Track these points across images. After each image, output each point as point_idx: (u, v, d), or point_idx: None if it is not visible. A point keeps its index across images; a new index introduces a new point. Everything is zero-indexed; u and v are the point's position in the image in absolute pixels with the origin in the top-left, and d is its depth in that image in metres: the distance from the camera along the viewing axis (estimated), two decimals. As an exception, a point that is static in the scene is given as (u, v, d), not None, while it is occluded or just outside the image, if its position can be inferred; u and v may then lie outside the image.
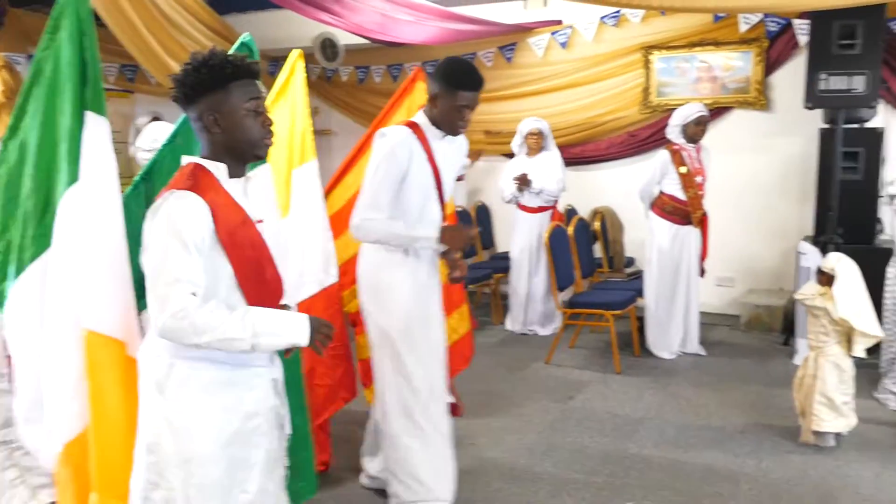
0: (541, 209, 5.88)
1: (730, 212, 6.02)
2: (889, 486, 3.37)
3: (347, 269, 3.32)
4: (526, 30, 6.77)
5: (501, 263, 6.47)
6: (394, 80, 7.47)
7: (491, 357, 5.38)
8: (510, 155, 6.70)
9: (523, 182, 5.72)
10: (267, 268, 1.93)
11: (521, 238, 5.90)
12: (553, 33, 6.71)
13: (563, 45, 6.68)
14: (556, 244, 5.22)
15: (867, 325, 3.57)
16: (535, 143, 5.84)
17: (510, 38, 6.86)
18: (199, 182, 1.82)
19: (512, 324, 6.08)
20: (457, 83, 2.76)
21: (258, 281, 1.90)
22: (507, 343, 5.81)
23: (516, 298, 6.01)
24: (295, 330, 1.84)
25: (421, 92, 3.57)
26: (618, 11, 6.36)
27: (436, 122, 2.87)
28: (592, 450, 3.82)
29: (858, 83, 4.81)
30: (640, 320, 5.44)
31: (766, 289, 6.16)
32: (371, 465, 3.32)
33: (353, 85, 7.80)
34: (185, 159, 1.93)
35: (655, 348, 5.34)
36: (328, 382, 3.39)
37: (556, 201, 5.93)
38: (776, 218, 6.07)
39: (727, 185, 5.95)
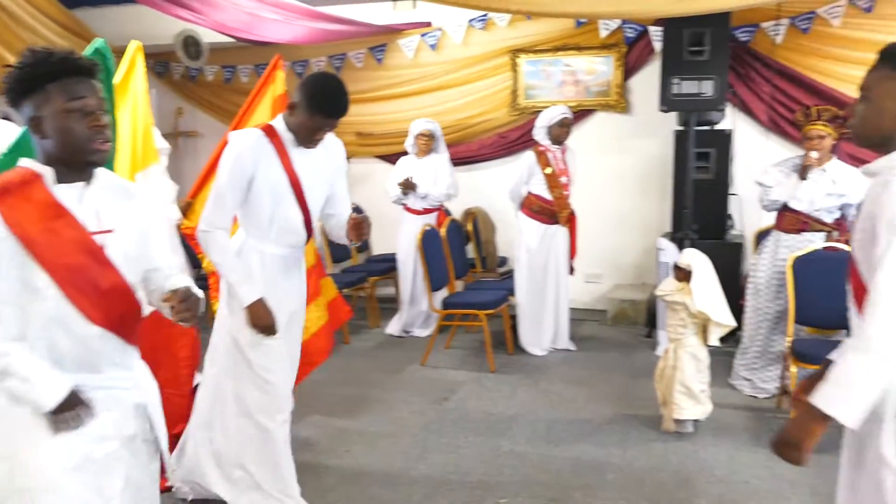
0: (426, 211, 5.87)
1: (596, 211, 6.24)
2: (741, 467, 3.58)
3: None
4: (396, 31, 6.76)
5: (377, 266, 6.42)
6: (262, 80, 7.26)
7: (367, 361, 5.32)
8: (383, 157, 6.66)
9: (407, 186, 5.70)
10: (103, 277, 1.78)
11: (405, 240, 5.85)
12: (423, 35, 6.73)
13: (433, 46, 6.72)
14: (429, 246, 5.23)
15: (722, 316, 3.78)
16: (425, 144, 5.82)
17: (380, 39, 6.82)
18: (6, 186, 1.70)
19: (391, 326, 6.04)
20: (317, 107, 2.68)
21: (91, 291, 1.75)
22: (384, 346, 5.77)
23: (402, 302, 5.98)
24: (44, 392, 1.70)
25: (280, 82, 3.49)
26: (485, 15, 6.46)
27: (291, 130, 2.80)
28: (467, 450, 3.84)
29: (707, 88, 5.11)
30: (513, 319, 5.54)
31: (630, 284, 6.44)
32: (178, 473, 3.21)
33: (219, 85, 7.52)
34: (21, 162, 1.78)
35: (528, 345, 5.45)
36: (186, 393, 3.25)
37: (442, 204, 5.93)
38: (638, 215, 6.36)
39: (593, 185, 6.17)
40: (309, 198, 2.87)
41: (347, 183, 3.11)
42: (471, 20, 6.54)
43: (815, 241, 4.25)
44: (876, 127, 1.78)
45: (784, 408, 4.21)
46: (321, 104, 2.67)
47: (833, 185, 4.20)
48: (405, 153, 5.94)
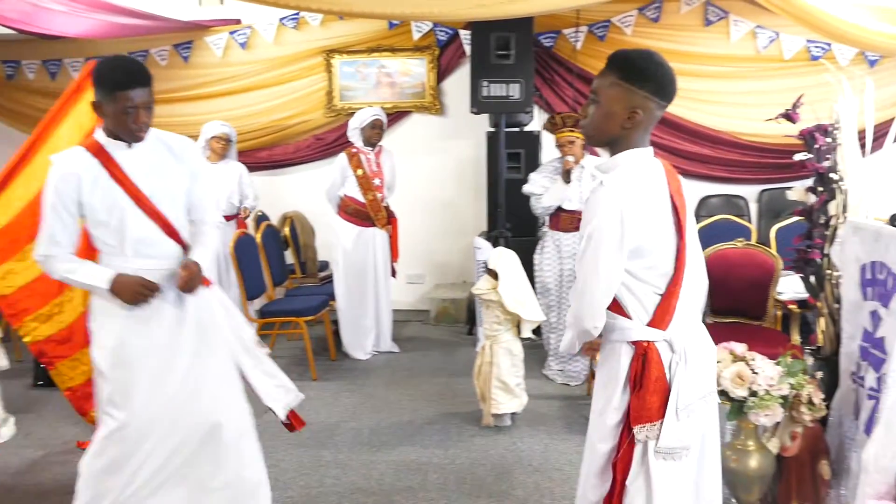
0: (227, 219, 5.61)
1: (416, 212, 6.29)
2: (554, 455, 3.72)
3: (24, 296, 3.04)
4: (203, 28, 6.43)
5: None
6: (51, 77, 6.66)
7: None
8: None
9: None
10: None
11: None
12: (232, 33, 6.46)
13: (243, 45, 6.46)
14: (244, 253, 5.00)
15: (531, 314, 3.91)
16: (222, 148, 5.54)
17: (186, 36, 6.46)
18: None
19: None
20: (113, 84, 2.43)
21: None
22: (199, 360, 5.45)
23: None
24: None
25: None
26: (297, 14, 6.30)
27: (112, 133, 2.53)
28: (287, 463, 3.70)
29: (515, 90, 5.29)
30: (336, 324, 5.44)
31: (451, 283, 6.54)
32: None
33: (1, 82, 6.78)
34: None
35: (351, 350, 5.38)
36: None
37: (240, 209, 5.68)
38: (457, 216, 6.48)
39: (413, 187, 6.22)
40: (159, 204, 2.59)
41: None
42: (282, 19, 6.36)
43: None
44: (604, 129, 1.93)
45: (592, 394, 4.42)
46: (116, 79, 2.43)
47: (594, 179, 4.53)
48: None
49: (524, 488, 3.40)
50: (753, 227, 5.75)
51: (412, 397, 4.59)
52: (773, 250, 4.64)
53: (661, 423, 1.91)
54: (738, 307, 4.25)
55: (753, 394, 2.45)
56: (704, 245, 4.58)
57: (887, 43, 5.33)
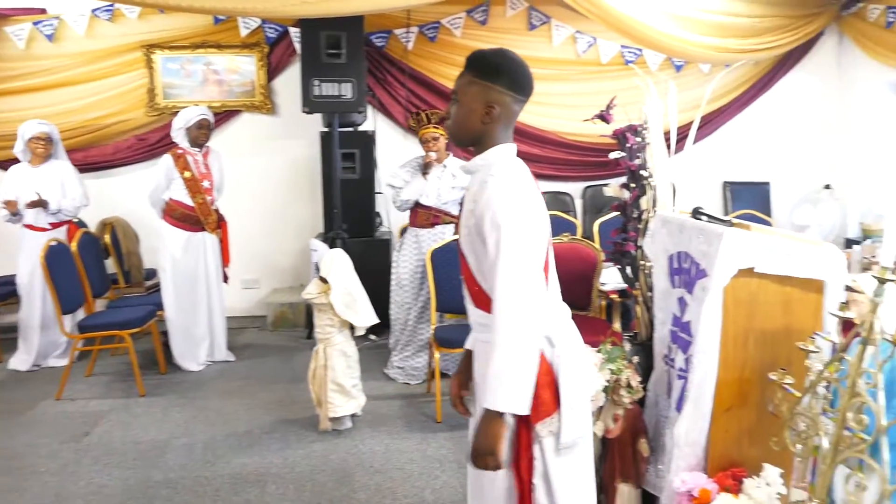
0: (54, 226, 5.15)
1: (249, 214, 6.08)
2: (396, 455, 3.72)
3: None
4: (2, 17, 5.84)
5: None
6: None
7: (-16, 404, 4.53)
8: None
9: (35, 205, 4.96)
10: None
11: (28, 260, 5.05)
12: (36, 23, 5.92)
13: (50, 37, 5.94)
14: (57, 263, 4.61)
15: (362, 319, 3.87)
16: (43, 149, 5.09)
17: (-20, 26, 5.85)
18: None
19: (16, 360, 5.21)
20: None
21: None
22: (7, 385, 4.94)
23: (30, 331, 5.17)
24: None
25: None
26: (111, 5, 5.88)
27: None
28: (112, 488, 3.44)
29: (347, 90, 5.24)
30: (165, 335, 5.15)
31: (288, 287, 6.39)
32: None
33: None
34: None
35: (183, 361, 5.10)
36: None
37: (74, 216, 5.25)
38: (292, 217, 6.32)
39: (244, 189, 6.00)
40: None
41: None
42: (94, 10, 5.92)
43: (447, 234, 4.62)
44: (466, 127, 1.95)
45: (432, 391, 4.48)
46: None
47: (454, 179, 4.65)
48: (16, 160, 5.17)
49: (366, 490, 3.37)
50: (579, 222, 6.08)
51: (249, 407, 4.43)
52: (597, 244, 4.92)
53: (559, 415, 1.93)
54: (565, 299, 4.44)
55: (578, 381, 2.56)
56: (535, 241, 4.81)
57: (690, 49, 5.81)
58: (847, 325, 2.00)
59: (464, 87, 1.94)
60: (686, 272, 2.55)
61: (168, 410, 4.39)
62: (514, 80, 1.93)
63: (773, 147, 6.59)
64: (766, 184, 6.59)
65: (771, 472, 2.31)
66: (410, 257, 4.72)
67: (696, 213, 2.63)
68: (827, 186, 6.49)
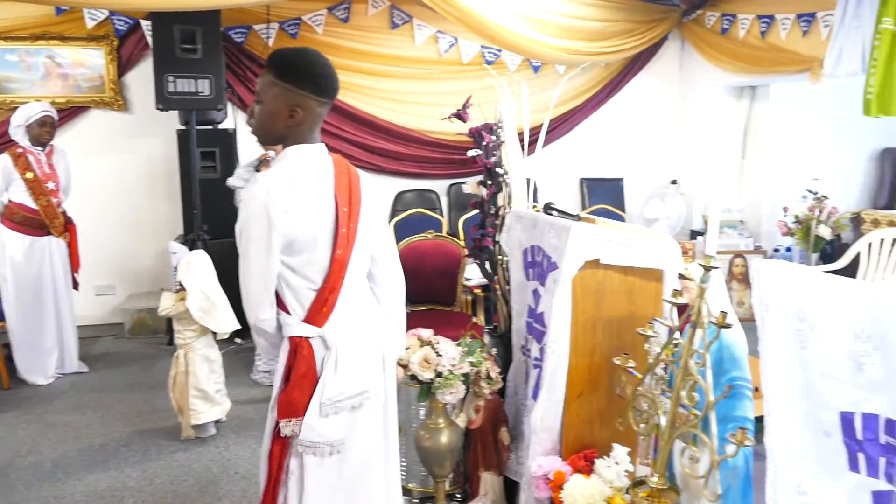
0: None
1: (101, 217, 5.77)
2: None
3: None
4: None
5: None
6: None
7: None
8: None
9: None
10: None
11: None
12: None
13: None
14: None
15: (221, 325, 3.75)
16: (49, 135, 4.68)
17: None
18: None
19: None
20: None
21: None
22: None
23: None
24: None
25: None
26: (-66, -9, 5.40)
27: None
28: (-54, 515, 3.18)
29: (204, 86, 5.06)
30: (7, 347, 4.78)
31: (147, 291, 6.09)
32: None
33: None
34: None
35: (29, 375, 4.76)
36: None
37: None
38: (149, 219, 6.04)
39: (95, 190, 5.68)
40: None
41: None
42: (-86, -4, 5.40)
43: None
44: (270, 128, 1.96)
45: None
46: None
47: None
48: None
49: (230, 497, 3.29)
50: (444, 219, 6.18)
51: (104, 419, 4.20)
52: (461, 240, 5.03)
53: (303, 418, 1.93)
54: (431, 295, 4.53)
55: (439, 374, 2.62)
56: (402, 238, 4.86)
57: (543, 51, 6.04)
58: (684, 311, 2.16)
59: (266, 88, 1.92)
60: (539, 265, 2.66)
61: (13, 428, 4.09)
62: (316, 84, 1.92)
63: (625, 145, 6.97)
64: (620, 180, 6.96)
65: (619, 451, 2.45)
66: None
67: (548, 209, 2.75)
68: (673, 182, 6.94)
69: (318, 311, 1.94)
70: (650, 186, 6.90)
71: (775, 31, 5.71)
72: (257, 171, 4.52)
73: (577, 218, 2.55)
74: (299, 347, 1.93)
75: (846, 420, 1.46)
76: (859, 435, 1.44)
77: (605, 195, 6.77)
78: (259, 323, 1.95)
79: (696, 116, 6.82)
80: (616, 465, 2.43)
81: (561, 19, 6.04)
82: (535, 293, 2.71)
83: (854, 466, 1.47)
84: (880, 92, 4.57)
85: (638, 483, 2.16)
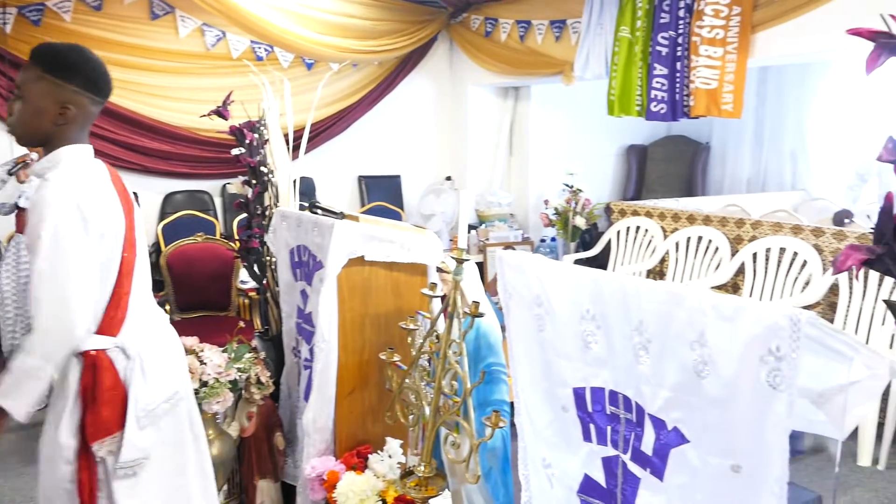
0: None
1: None
2: (9, 494, 3.28)
3: None
4: None
5: None
6: None
7: None
8: None
9: None
10: None
11: None
12: None
13: None
14: None
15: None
16: None
17: None
18: None
19: None
20: None
21: None
22: None
23: None
24: None
25: None
26: None
27: None
28: None
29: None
30: None
31: None
32: None
33: None
34: None
35: None
36: None
37: None
38: None
39: None
40: None
41: None
42: None
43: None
44: (35, 127, 1.80)
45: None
46: None
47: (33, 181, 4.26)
48: None
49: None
50: (219, 221, 5.93)
51: None
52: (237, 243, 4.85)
53: (122, 434, 1.82)
54: (203, 301, 4.33)
55: (204, 384, 2.50)
56: (170, 242, 4.59)
57: (313, 48, 6.01)
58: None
59: (31, 83, 1.77)
60: (306, 265, 2.63)
61: None
62: (91, 80, 1.82)
63: (401, 143, 7.11)
64: (398, 177, 7.09)
65: (392, 444, 2.50)
66: (13, 268, 4.18)
67: (313, 207, 2.72)
68: (448, 178, 7.20)
69: (112, 319, 1.82)
70: (426, 183, 7.11)
71: (532, 36, 6.11)
72: (10, 174, 4.05)
73: (340, 216, 2.54)
74: (98, 361, 1.78)
75: (578, 395, 1.59)
76: (589, 408, 1.58)
77: (383, 192, 6.87)
78: (73, 342, 1.74)
79: (467, 115, 7.12)
80: (389, 458, 2.47)
81: (329, 16, 6.02)
82: (304, 293, 2.67)
83: (587, 437, 1.60)
84: (620, 94, 5.07)
85: (407, 473, 2.21)
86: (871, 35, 1.17)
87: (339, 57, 6.18)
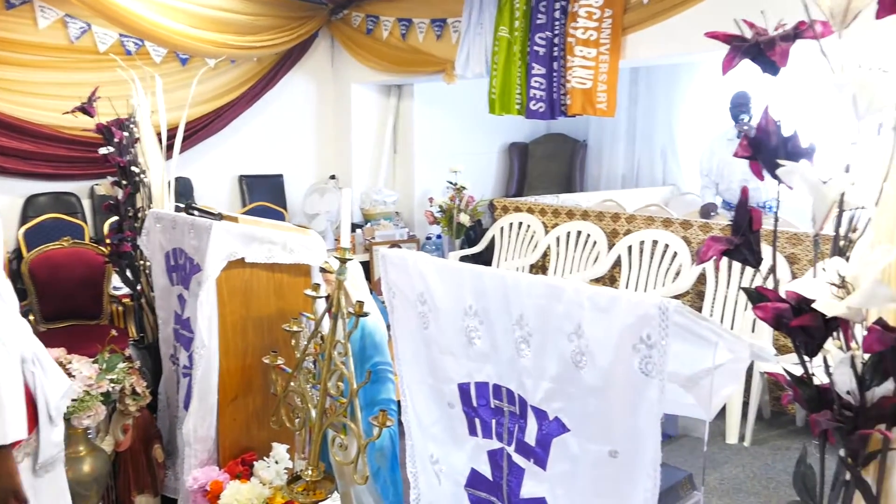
0: None
1: None
2: None
3: None
4: None
5: None
6: None
7: None
8: None
9: None
10: None
11: None
12: None
13: None
14: None
15: None
16: None
17: None
18: None
19: None
20: None
21: None
22: None
23: None
24: None
25: None
26: None
27: None
28: None
29: None
30: None
31: None
32: None
33: None
34: None
35: None
36: None
37: None
38: None
39: None
40: None
41: None
42: None
43: None
44: None
45: None
46: None
47: None
48: None
49: None
50: (88, 224, 5.61)
51: None
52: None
53: (36, 434, 1.76)
54: (71, 309, 4.07)
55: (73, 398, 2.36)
56: (34, 247, 4.29)
57: (187, 42, 5.79)
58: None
59: None
60: (182, 268, 2.53)
61: None
62: None
63: (283, 141, 6.96)
64: (280, 176, 6.94)
65: (279, 449, 2.44)
66: None
67: (189, 208, 2.62)
68: (332, 177, 7.11)
69: None
70: (310, 182, 7.00)
71: (414, 34, 6.12)
72: None
73: (219, 217, 2.46)
74: None
75: (463, 390, 1.61)
76: (474, 402, 1.60)
77: (265, 192, 6.70)
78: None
79: (350, 113, 7.06)
80: (276, 463, 2.41)
81: (204, 10, 5.80)
82: (181, 298, 2.57)
83: (473, 431, 1.62)
84: (501, 93, 5.17)
85: (294, 479, 2.17)
86: (726, 38, 1.24)
87: (216, 52, 5.98)
